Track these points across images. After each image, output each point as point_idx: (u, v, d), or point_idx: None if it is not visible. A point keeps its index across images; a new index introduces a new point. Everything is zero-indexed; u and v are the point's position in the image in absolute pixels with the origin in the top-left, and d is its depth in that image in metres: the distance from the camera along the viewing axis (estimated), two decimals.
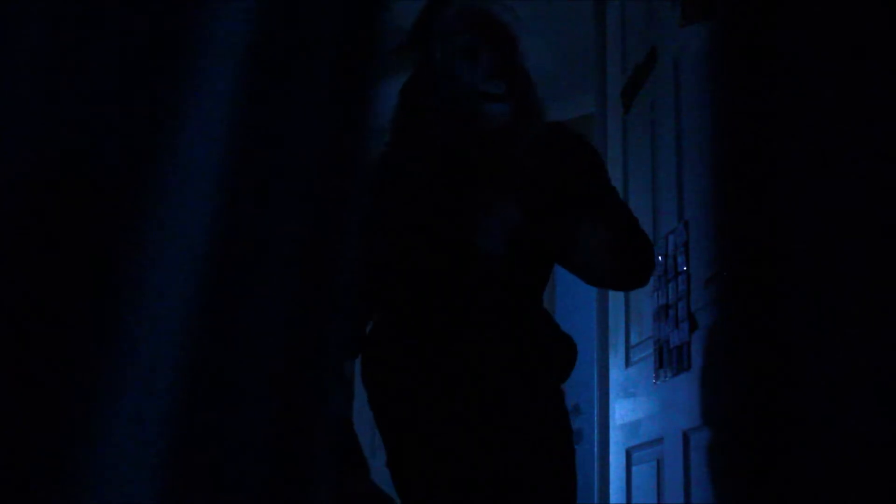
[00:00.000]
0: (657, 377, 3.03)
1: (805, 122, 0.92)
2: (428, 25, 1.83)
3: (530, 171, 1.78)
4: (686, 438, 2.78)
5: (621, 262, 1.81)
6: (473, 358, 1.74)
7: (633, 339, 3.46)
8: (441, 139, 1.78)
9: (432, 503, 1.70)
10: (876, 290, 0.89)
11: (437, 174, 1.78)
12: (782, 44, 0.91)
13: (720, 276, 2.59)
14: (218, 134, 0.93)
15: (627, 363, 3.50)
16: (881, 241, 0.88)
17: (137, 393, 0.87)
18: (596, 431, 3.75)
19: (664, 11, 3.18)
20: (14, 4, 0.84)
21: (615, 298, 3.63)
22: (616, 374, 3.59)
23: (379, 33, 1.04)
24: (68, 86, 0.87)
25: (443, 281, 1.74)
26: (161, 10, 0.91)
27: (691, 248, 2.80)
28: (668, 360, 2.92)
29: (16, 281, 0.85)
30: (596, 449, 3.72)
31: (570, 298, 4.83)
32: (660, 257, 3.00)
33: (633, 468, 3.38)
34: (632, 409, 3.37)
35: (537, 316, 1.84)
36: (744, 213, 1.15)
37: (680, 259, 2.87)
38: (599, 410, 3.74)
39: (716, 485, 2.58)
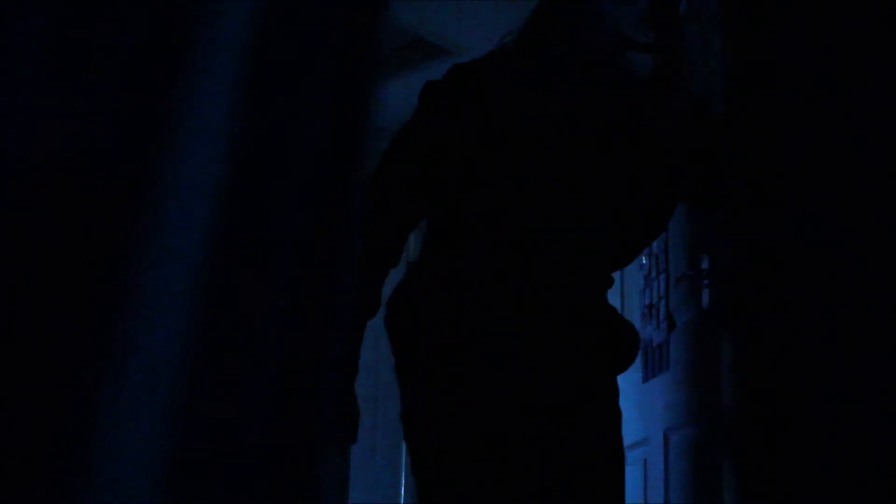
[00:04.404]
0: (645, 377, 3.03)
1: (804, 122, 0.92)
2: None
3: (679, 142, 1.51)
4: (666, 438, 2.78)
5: None
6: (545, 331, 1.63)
7: None
8: (570, 90, 1.53)
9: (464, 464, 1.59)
10: (876, 289, 0.89)
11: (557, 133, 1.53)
12: (782, 44, 0.91)
13: (688, 275, 2.58)
14: (218, 133, 0.93)
15: None
16: (881, 240, 0.88)
17: (137, 391, 0.87)
18: None
19: None
20: (14, 4, 0.84)
21: (611, 297, 3.61)
22: None
23: (379, 33, 1.04)
24: (68, 85, 0.87)
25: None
26: (161, 10, 0.91)
27: (670, 246, 2.77)
28: (651, 359, 2.92)
29: (16, 280, 0.84)
30: None
31: None
32: (644, 259, 2.99)
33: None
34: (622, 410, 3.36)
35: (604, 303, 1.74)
36: (737, 212, 1.15)
37: (662, 257, 2.86)
38: None
39: (692, 485, 2.57)
